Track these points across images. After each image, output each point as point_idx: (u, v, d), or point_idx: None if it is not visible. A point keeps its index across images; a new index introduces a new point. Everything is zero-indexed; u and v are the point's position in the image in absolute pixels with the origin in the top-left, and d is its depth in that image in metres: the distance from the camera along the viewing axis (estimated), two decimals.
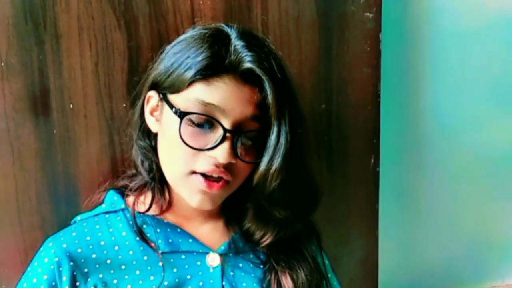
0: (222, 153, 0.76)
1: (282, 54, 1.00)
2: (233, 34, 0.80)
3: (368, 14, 1.08)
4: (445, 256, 1.40)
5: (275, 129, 0.77)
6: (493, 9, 1.27)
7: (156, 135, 0.85)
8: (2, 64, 0.91)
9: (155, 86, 0.83)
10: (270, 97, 0.76)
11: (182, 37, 0.83)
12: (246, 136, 0.79)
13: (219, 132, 0.77)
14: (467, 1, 1.24)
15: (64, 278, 0.78)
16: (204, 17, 0.98)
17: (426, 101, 1.28)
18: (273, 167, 0.77)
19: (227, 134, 0.76)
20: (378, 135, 1.14)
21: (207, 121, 0.77)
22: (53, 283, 0.79)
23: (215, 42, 0.78)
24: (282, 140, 0.77)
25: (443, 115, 1.30)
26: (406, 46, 1.24)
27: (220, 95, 0.76)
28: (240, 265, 0.86)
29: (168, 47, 0.84)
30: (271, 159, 0.77)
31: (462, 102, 1.30)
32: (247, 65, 0.76)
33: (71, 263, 0.79)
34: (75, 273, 0.79)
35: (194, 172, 0.78)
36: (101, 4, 0.93)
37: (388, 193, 1.23)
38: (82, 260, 0.80)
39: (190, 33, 0.82)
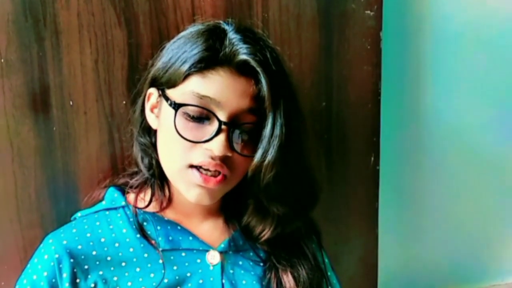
0: (217, 145, 0.76)
1: (282, 52, 1.01)
2: (229, 29, 0.80)
3: (368, 12, 1.08)
4: (444, 255, 1.40)
5: (269, 121, 0.77)
6: (494, 8, 1.27)
7: (156, 132, 0.85)
8: (2, 60, 0.90)
9: (154, 82, 0.83)
10: (265, 89, 0.76)
11: (181, 34, 0.84)
12: (243, 130, 0.79)
13: (215, 124, 0.77)
14: (468, 0, 1.24)
15: (64, 275, 0.78)
16: (204, 14, 0.97)
17: (426, 100, 1.28)
18: (267, 159, 0.77)
19: (223, 127, 0.76)
20: (378, 133, 1.14)
21: (204, 114, 0.77)
22: (53, 280, 0.79)
23: (211, 36, 0.79)
24: (277, 132, 0.76)
25: (443, 114, 1.30)
26: (407, 44, 1.24)
27: (216, 87, 0.76)
28: (240, 262, 0.85)
29: (168, 44, 0.84)
30: (265, 151, 0.77)
31: (463, 101, 1.30)
32: (242, 57, 0.76)
33: (72, 260, 0.79)
34: (75, 270, 0.79)
35: (191, 166, 0.78)
36: (101, 1, 0.93)
37: (388, 191, 1.23)
38: (83, 257, 0.80)
39: (188, 30, 0.83)
